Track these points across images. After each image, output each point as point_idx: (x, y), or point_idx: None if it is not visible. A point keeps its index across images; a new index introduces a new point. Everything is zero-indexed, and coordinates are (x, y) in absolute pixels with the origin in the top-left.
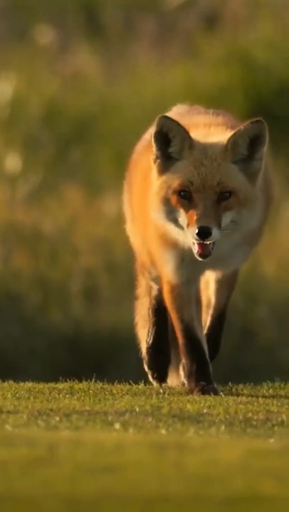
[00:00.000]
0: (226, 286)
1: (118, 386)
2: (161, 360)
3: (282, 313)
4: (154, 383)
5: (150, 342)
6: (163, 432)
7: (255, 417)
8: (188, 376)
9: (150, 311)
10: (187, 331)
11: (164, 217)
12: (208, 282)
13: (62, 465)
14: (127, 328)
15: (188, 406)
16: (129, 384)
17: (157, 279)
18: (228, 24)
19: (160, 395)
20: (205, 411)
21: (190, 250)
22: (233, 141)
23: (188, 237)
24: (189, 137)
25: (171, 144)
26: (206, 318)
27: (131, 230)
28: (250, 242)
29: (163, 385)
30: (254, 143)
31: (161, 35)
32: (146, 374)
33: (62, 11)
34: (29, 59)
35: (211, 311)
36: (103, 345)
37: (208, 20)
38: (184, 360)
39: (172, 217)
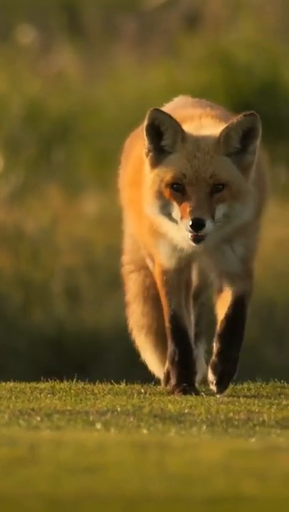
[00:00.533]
0: (239, 279)
1: (100, 386)
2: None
3: (264, 313)
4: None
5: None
6: (144, 431)
7: (237, 417)
8: (171, 363)
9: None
10: (174, 318)
11: (157, 211)
12: (220, 288)
13: (44, 465)
14: (109, 327)
15: (170, 406)
16: (111, 384)
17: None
18: (209, 24)
19: (142, 395)
20: (186, 411)
21: (182, 246)
22: (226, 133)
23: (182, 230)
24: (182, 130)
25: (164, 137)
26: (222, 312)
27: (129, 222)
28: (245, 235)
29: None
30: (247, 136)
31: (142, 35)
32: (127, 373)
33: (43, 11)
34: (11, 59)
35: (230, 299)
36: (85, 345)
37: (189, 20)
38: (169, 350)
39: (166, 210)
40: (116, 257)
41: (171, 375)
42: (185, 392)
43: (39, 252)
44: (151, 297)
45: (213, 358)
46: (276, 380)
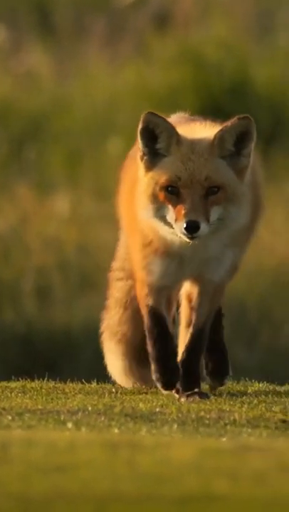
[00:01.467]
0: (207, 302)
1: (71, 385)
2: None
3: (235, 313)
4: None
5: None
6: (115, 431)
7: (208, 416)
8: (153, 359)
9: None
10: (152, 314)
11: (152, 215)
12: (192, 296)
13: (15, 464)
14: (80, 326)
15: (141, 405)
16: (82, 383)
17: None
18: (179, 23)
19: (113, 394)
20: (157, 410)
21: (178, 254)
22: (220, 136)
23: (177, 233)
24: (176, 133)
25: (158, 140)
26: (187, 337)
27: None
28: (237, 244)
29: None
30: (241, 139)
31: (112, 34)
32: (98, 373)
33: (14, 10)
34: None
35: (190, 329)
36: (56, 344)
37: (159, 19)
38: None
39: (160, 214)
40: (87, 256)
41: (153, 371)
42: (166, 387)
43: (9, 251)
44: (133, 308)
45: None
46: (247, 379)
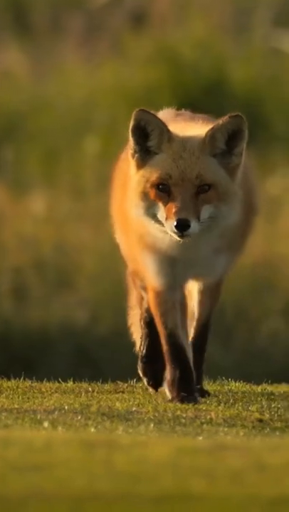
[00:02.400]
0: (208, 298)
1: (47, 384)
2: (155, 368)
3: None
4: (150, 389)
5: (144, 352)
6: (92, 430)
7: (184, 415)
8: (171, 384)
9: (142, 323)
10: (171, 338)
11: (143, 213)
12: (192, 293)
13: None
14: (57, 326)
15: (117, 404)
16: (58, 382)
17: (145, 288)
18: (155, 22)
19: (89, 393)
20: (134, 409)
21: (170, 254)
22: (212, 134)
23: (167, 231)
24: (168, 130)
25: (150, 137)
26: (190, 331)
27: (120, 238)
28: (231, 247)
29: (159, 389)
30: (233, 137)
31: (88, 33)
32: (75, 372)
33: None
34: None
35: (194, 324)
36: (32, 344)
37: (136, 18)
38: (167, 369)
39: (151, 211)
40: (64, 255)
41: (173, 395)
42: (183, 401)
43: None
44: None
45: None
46: (223, 378)
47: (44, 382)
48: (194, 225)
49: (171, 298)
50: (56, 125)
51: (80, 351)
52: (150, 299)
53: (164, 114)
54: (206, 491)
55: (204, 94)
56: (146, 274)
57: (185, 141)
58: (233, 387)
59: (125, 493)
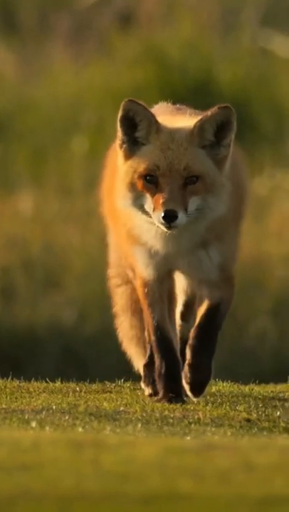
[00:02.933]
0: (215, 287)
1: (35, 384)
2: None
3: None
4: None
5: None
6: (80, 429)
7: (172, 415)
8: (158, 376)
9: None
10: (158, 330)
11: (130, 204)
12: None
13: None
14: (45, 326)
15: (105, 404)
16: (46, 382)
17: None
18: (143, 22)
19: (77, 393)
20: (121, 409)
21: (156, 247)
22: (200, 125)
23: (155, 222)
24: (156, 121)
25: (138, 128)
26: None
27: (110, 230)
28: (220, 238)
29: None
30: (221, 129)
31: (76, 33)
32: (63, 372)
33: None
34: None
35: (204, 307)
36: (20, 343)
37: (123, 18)
38: (156, 362)
39: (138, 202)
40: (51, 255)
41: (158, 388)
42: (170, 401)
43: None
44: (139, 311)
45: (185, 367)
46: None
47: (32, 382)
48: (182, 216)
49: (159, 289)
50: (44, 125)
51: (68, 351)
52: (138, 287)
53: (161, 108)
54: (194, 491)
55: (192, 94)
56: (135, 266)
57: (173, 133)
58: (220, 387)
59: (113, 492)
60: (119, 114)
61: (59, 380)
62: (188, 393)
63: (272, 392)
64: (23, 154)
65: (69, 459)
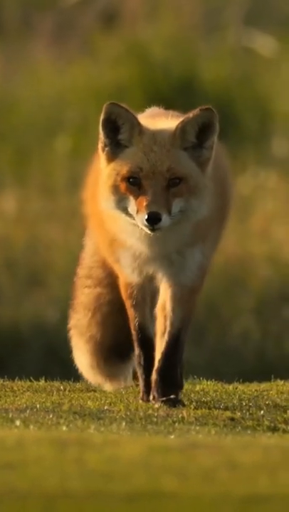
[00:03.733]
0: (181, 307)
1: (19, 383)
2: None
3: None
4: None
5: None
6: (64, 428)
7: (156, 414)
8: (138, 365)
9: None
10: (140, 330)
11: (113, 206)
12: (165, 304)
13: None
14: (28, 324)
15: (89, 403)
16: (30, 381)
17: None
18: (126, 21)
19: (61, 392)
20: (106, 408)
21: (140, 250)
22: (182, 127)
23: (138, 224)
24: (138, 123)
25: (120, 130)
26: (162, 344)
27: (94, 231)
28: (204, 240)
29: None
30: (203, 131)
31: (59, 32)
32: (47, 370)
33: None
34: None
35: (165, 337)
36: (4, 342)
37: (107, 17)
38: (135, 353)
39: (122, 205)
40: (35, 254)
41: (139, 379)
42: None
43: None
44: (104, 313)
45: (152, 383)
46: (195, 376)
47: (16, 380)
48: (165, 219)
49: (142, 292)
50: (27, 124)
51: (52, 350)
52: (122, 291)
53: (152, 112)
54: (178, 490)
55: (175, 93)
56: (118, 269)
57: (156, 134)
58: (204, 386)
59: (97, 491)
60: (102, 117)
61: (43, 378)
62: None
63: (256, 390)
64: (6, 154)
65: (53, 458)
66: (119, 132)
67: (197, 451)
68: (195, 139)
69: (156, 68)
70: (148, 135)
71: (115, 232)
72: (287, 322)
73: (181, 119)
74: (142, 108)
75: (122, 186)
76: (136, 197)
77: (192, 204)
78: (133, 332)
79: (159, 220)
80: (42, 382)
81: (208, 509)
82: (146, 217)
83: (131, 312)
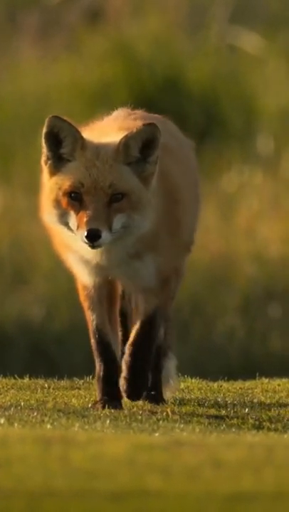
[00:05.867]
0: (152, 295)
1: (3, 380)
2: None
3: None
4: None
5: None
6: (48, 426)
7: (140, 412)
8: (97, 380)
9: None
10: (97, 333)
11: (56, 220)
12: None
13: None
14: (12, 322)
15: (74, 400)
16: (14, 378)
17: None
18: (111, 19)
19: (45, 390)
20: (90, 405)
21: (90, 259)
22: (125, 142)
23: (79, 240)
24: (81, 137)
25: (63, 144)
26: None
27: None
28: (156, 249)
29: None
30: (147, 146)
31: (44, 29)
32: (31, 368)
33: None
34: None
35: (139, 319)
36: None
37: (92, 14)
38: (96, 365)
39: (63, 220)
40: (20, 251)
41: (97, 390)
42: (104, 406)
43: None
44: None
45: (121, 379)
46: (180, 374)
47: (0, 378)
48: (105, 235)
49: (98, 294)
50: (11, 121)
51: (36, 347)
52: (79, 292)
53: (119, 113)
54: (163, 488)
55: (160, 91)
56: (73, 270)
57: (99, 149)
58: (189, 384)
59: (82, 489)
60: (44, 130)
61: (27, 376)
62: (126, 399)
63: (240, 388)
64: None
65: (37, 456)
66: (62, 146)
67: (182, 449)
68: (138, 153)
69: (142, 66)
70: (91, 149)
71: (63, 238)
72: (272, 320)
73: (124, 134)
74: (126, 105)
75: (64, 201)
76: (77, 212)
77: (134, 219)
78: (92, 339)
79: (99, 237)
80: (26, 379)
81: (193, 507)
82: (85, 233)
83: (88, 315)
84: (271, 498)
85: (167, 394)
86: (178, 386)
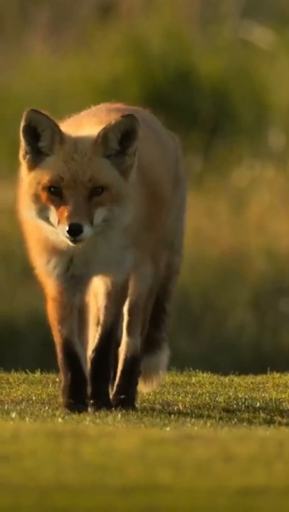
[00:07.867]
0: (114, 302)
1: (15, 375)
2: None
3: (178, 302)
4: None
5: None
6: (59, 420)
7: (152, 406)
8: (62, 391)
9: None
10: (65, 347)
11: (35, 215)
12: (98, 297)
13: None
14: (23, 316)
15: None
16: (26, 373)
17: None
18: (123, 13)
19: (56, 384)
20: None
21: (69, 254)
22: (103, 134)
23: (60, 235)
24: (59, 131)
25: (41, 138)
26: (96, 337)
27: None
28: (138, 245)
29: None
30: (126, 138)
31: (55, 24)
32: (42, 362)
33: None
34: None
35: (99, 330)
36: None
37: (103, 9)
38: (63, 380)
39: (43, 215)
40: None
41: (62, 396)
42: (70, 409)
43: None
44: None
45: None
46: (191, 369)
47: (11, 372)
48: (87, 230)
49: (69, 303)
50: (22, 116)
51: (48, 342)
52: (48, 303)
53: (98, 107)
54: (173, 482)
55: (172, 86)
56: (44, 279)
57: (77, 142)
58: (200, 378)
59: (92, 483)
60: (22, 124)
61: (39, 370)
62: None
63: (251, 383)
64: (2, 146)
65: (49, 450)
66: (40, 140)
67: (193, 443)
68: (117, 146)
69: (153, 61)
70: (69, 143)
71: (46, 238)
72: (283, 314)
73: (103, 126)
74: (140, 101)
75: (43, 196)
76: (57, 207)
77: (115, 212)
78: (59, 353)
79: (81, 231)
80: (38, 374)
81: (204, 501)
82: (67, 228)
83: (56, 329)
84: (282, 492)
85: (153, 384)
86: (162, 381)
